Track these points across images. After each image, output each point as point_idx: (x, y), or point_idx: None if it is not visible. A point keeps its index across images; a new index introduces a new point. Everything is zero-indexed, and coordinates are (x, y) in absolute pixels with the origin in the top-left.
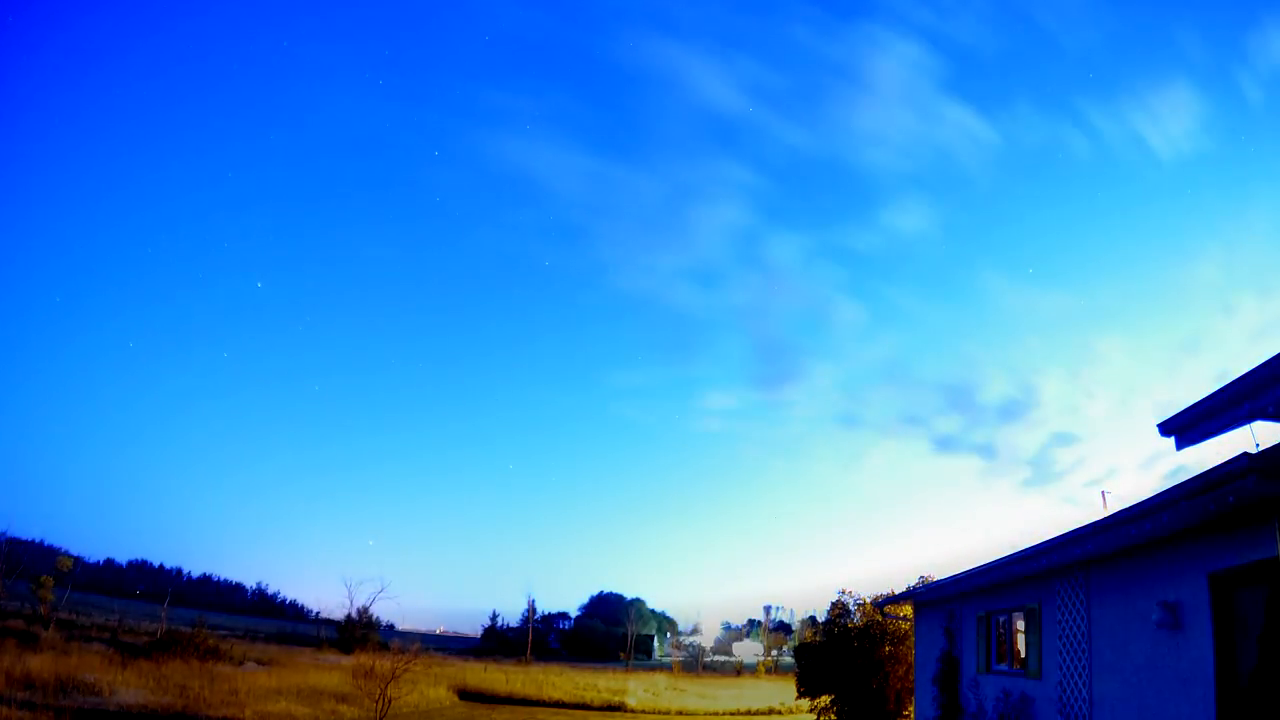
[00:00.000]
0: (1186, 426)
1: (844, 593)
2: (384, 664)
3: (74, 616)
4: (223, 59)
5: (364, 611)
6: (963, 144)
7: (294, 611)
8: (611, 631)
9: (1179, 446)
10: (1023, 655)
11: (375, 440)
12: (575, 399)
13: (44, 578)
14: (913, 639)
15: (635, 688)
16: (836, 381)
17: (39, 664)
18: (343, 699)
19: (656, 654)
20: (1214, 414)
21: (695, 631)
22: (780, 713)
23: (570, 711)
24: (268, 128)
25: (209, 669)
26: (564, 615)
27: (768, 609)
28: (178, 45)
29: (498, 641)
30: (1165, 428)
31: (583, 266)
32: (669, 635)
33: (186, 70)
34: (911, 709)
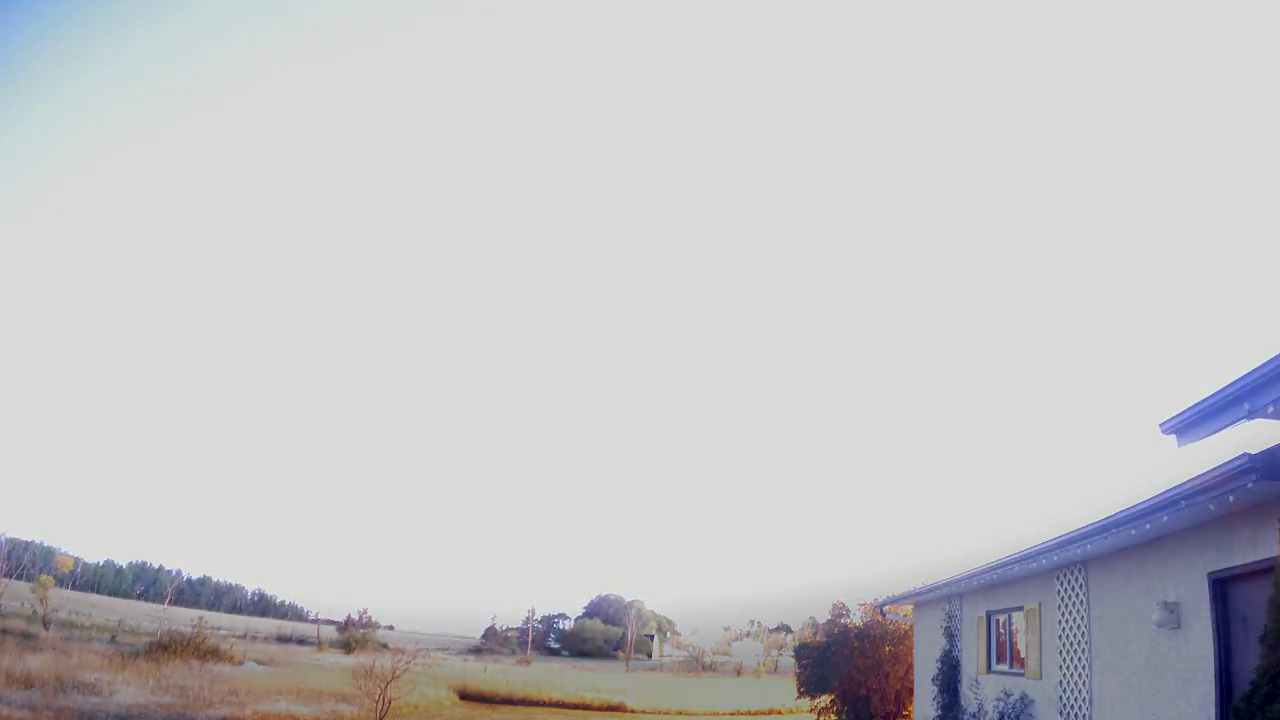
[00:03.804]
0: (1187, 426)
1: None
2: (384, 664)
3: (74, 616)
4: None
5: (364, 612)
6: None
7: (294, 613)
8: (611, 632)
9: (1179, 445)
10: (1023, 655)
11: (374, 442)
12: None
13: (44, 577)
14: (913, 639)
15: (635, 688)
16: None
17: (39, 664)
18: (343, 699)
19: (656, 654)
20: (1214, 413)
21: (695, 632)
22: (780, 713)
23: (570, 711)
24: None
25: (209, 669)
26: (563, 616)
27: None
28: None
29: (498, 641)
30: (1166, 427)
31: None
32: (669, 635)
33: None
34: (911, 709)
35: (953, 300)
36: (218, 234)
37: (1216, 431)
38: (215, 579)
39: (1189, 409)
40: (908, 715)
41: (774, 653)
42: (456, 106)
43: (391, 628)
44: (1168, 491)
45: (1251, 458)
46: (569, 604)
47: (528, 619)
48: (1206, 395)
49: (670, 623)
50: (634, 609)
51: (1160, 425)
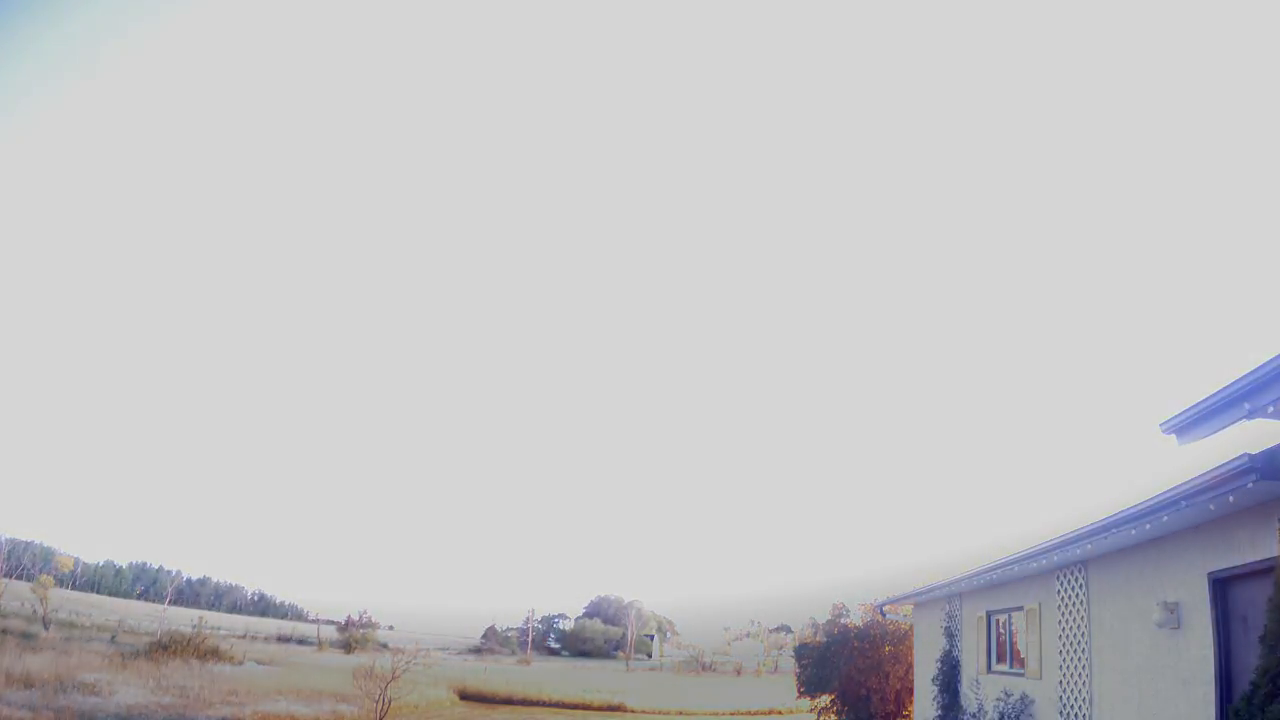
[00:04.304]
0: (1188, 425)
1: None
2: (384, 664)
3: (74, 617)
4: None
5: (364, 613)
6: None
7: (294, 613)
8: (611, 632)
9: (1180, 445)
10: (1023, 655)
11: (374, 442)
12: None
13: (44, 577)
14: (913, 639)
15: (635, 688)
16: None
17: (39, 664)
18: (343, 699)
19: (656, 654)
20: (1214, 413)
21: (694, 632)
22: (780, 713)
23: (570, 711)
24: None
25: (209, 669)
26: (563, 616)
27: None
28: None
29: (498, 641)
30: (1166, 426)
31: None
32: (669, 635)
33: None
34: (911, 709)
35: (952, 299)
36: (217, 233)
37: (1216, 431)
38: (215, 579)
39: (1189, 409)
40: (908, 715)
41: (774, 653)
42: (457, 103)
43: (391, 628)
44: (1168, 492)
45: (1251, 458)
46: (569, 604)
47: (528, 619)
48: (1207, 395)
49: (670, 623)
50: (634, 609)
51: (1161, 425)
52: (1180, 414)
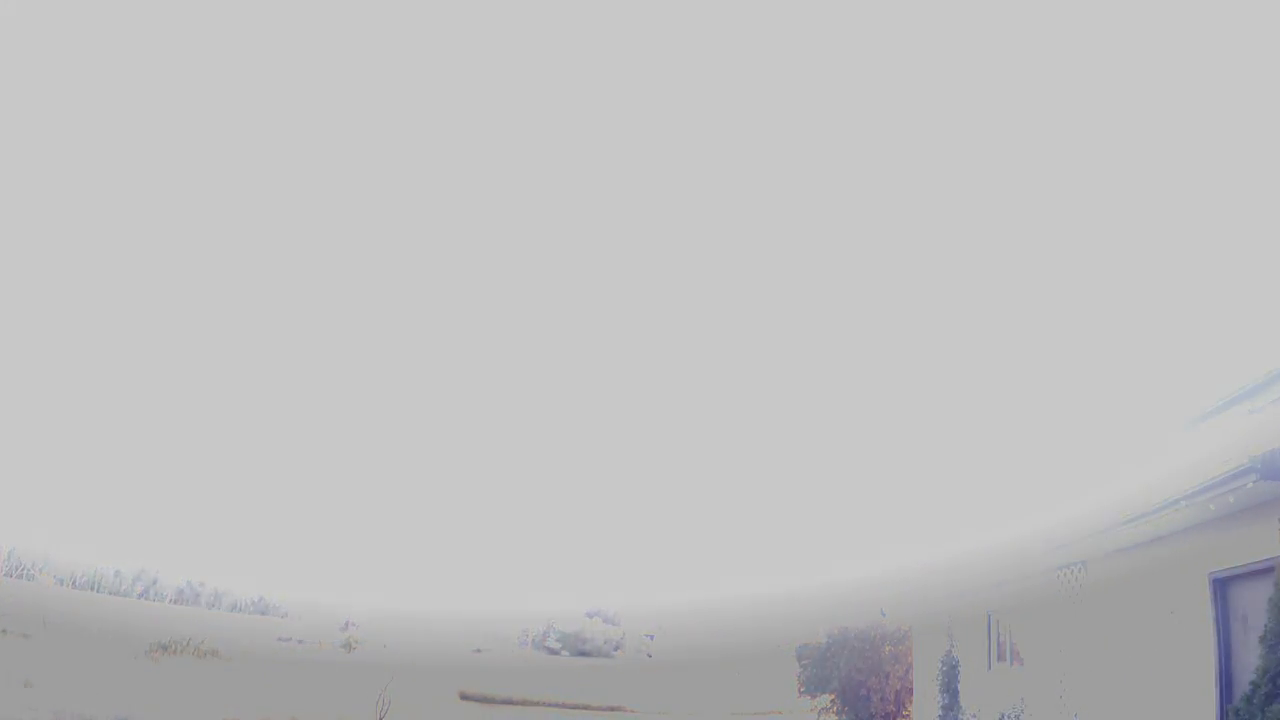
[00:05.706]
0: (1189, 425)
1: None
2: (384, 665)
3: (74, 617)
4: None
5: (355, 621)
6: None
7: (293, 614)
8: (611, 632)
9: (1182, 445)
10: (1023, 655)
11: (374, 444)
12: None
13: (44, 577)
14: (913, 639)
15: (636, 688)
16: None
17: (39, 664)
18: (343, 699)
19: (657, 654)
20: (1216, 412)
21: (694, 632)
22: (780, 713)
23: (570, 711)
24: None
25: (209, 669)
26: (564, 617)
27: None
28: None
29: (498, 642)
30: (1168, 426)
31: None
32: (668, 635)
33: None
34: (911, 709)
35: (951, 298)
36: (216, 232)
37: (1219, 430)
38: (215, 581)
39: (1192, 409)
40: (908, 715)
41: (773, 653)
42: (458, 102)
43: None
44: (1168, 491)
45: (1251, 458)
46: (570, 604)
47: (528, 620)
48: (1209, 396)
49: (669, 623)
50: (633, 610)
51: (1162, 425)
52: (1182, 414)
